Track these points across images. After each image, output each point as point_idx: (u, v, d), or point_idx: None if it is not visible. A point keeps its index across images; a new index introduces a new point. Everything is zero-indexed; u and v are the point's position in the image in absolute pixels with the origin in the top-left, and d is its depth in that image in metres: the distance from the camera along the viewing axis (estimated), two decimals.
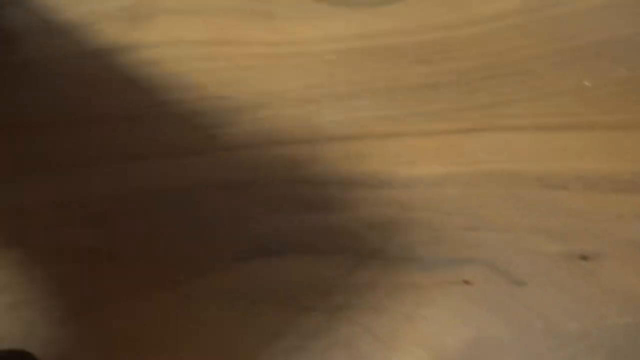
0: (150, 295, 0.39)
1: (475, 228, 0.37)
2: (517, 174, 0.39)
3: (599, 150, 0.39)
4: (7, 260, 0.42)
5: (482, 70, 0.44)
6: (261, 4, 0.53)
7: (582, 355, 0.32)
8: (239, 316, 0.38)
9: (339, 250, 0.39)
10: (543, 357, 0.32)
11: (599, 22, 0.45)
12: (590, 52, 0.44)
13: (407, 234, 0.38)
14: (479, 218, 0.37)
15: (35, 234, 0.43)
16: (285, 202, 0.41)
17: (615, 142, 0.39)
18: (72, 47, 0.55)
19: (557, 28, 0.45)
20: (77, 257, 0.42)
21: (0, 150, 0.49)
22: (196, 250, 0.40)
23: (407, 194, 0.39)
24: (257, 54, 0.49)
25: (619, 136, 0.40)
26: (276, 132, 0.44)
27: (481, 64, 0.44)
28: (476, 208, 0.38)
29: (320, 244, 0.39)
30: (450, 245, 0.37)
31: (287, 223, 0.40)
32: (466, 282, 0.35)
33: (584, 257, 0.35)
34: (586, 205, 0.37)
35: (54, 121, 0.50)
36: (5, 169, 0.48)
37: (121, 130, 0.48)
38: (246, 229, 0.41)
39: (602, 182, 0.38)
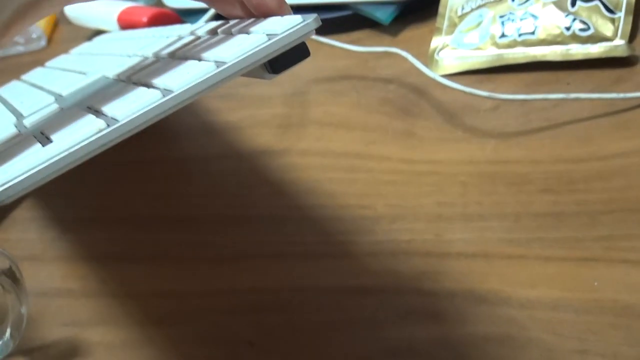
0: None
1: (585, 352, 0.40)
2: (629, 306, 0.42)
3: None
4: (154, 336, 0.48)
5: (604, 204, 0.47)
6: (403, 123, 0.58)
7: None
8: None
9: None
10: None
11: None
12: None
13: (522, 352, 0.41)
14: (590, 343, 0.40)
15: (186, 317, 0.49)
16: (412, 311, 0.45)
17: None
18: (228, 148, 0.61)
19: None
20: (220, 343, 0.47)
21: (147, 238, 0.56)
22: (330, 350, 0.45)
23: (524, 314, 0.43)
24: (396, 170, 0.55)
25: None
26: (408, 244, 0.49)
27: (604, 198, 0.48)
28: (588, 334, 0.41)
29: (441, 354, 0.43)
30: None
31: (412, 331, 0.44)
32: None
33: None
34: None
35: (204, 216, 0.56)
36: (148, 256, 0.54)
37: (266, 230, 0.54)
38: (374, 334, 0.45)
39: None
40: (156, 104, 0.30)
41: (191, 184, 0.60)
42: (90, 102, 0.36)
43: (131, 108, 0.30)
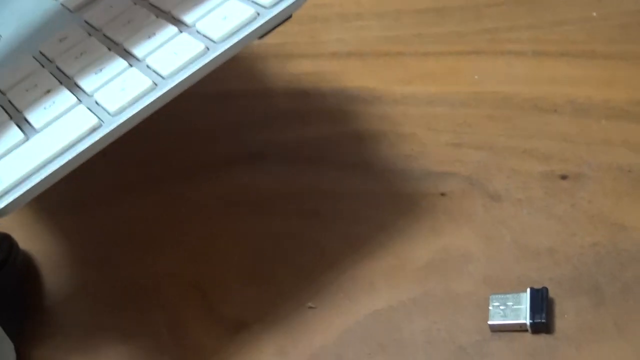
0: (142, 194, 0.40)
1: (459, 145, 0.37)
2: (509, 96, 0.39)
3: (596, 79, 0.39)
4: None
5: None
6: None
7: (548, 268, 0.31)
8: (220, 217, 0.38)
9: (324, 160, 0.39)
10: (508, 267, 0.32)
11: None
12: None
13: (393, 148, 0.38)
14: (465, 136, 0.37)
15: None
16: (281, 114, 0.41)
17: (613, 71, 0.39)
18: None
19: None
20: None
21: None
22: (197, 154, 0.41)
23: (398, 110, 0.40)
24: None
25: (618, 66, 0.39)
26: (281, 46, 0.45)
27: None
28: (464, 126, 0.38)
29: (308, 153, 0.39)
30: (433, 160, 0.37)
31: (280, 133, 0.40)
32: (443, 195, 0.35)
33: (563, 177, 0.34)
34: (574, 129, 0.36)
35: None
36: None
37: None
38: (240, 137, 0.41)
39: (593, 109, 0.37)
40: (151, 100, 0.28)
41: None
42: (59, 60, 0.32)
43: (124, 101, 0.28)
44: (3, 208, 0.26)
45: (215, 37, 0.29)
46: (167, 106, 0.40)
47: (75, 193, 0.40)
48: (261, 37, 0.30)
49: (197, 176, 0.40)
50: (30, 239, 0.39)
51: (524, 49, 0.40)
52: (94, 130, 0.28)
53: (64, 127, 0.28)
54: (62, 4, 0.36)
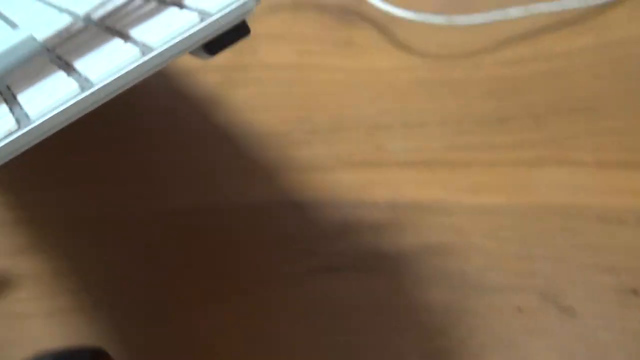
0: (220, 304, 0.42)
1: (529, 257, 0.39)
2: (575, 207, 0.40)
3: None
4: (90, 262, 0.45)
5: (550, 106, 0.45)
6: (341, 33, 0.55)
7: None
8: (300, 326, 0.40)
9: (398, 272, 0.41)
10: None
11: None
12: None
13: (464, 259, 0.40)
14: (535, 247, 0.39)
15: (118, 241, 0.46)
16: (351, 224, 0.43)
17: None
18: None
19: (626, 67, 0.46)
20: (157, 265, 0.45)
21: (82, 161, 0.53)
22: (270, 265, 0.43)
23: (467, 221, 0.41)
24: (334, 80, 0.52)
25: None
26: (348, 155, 0.47)
27: (549, 100, 0.46)
28: (532, 238, 0.39)
29: (382, 264, 0.41)
30: (505, 272, 0.39)
31: (351, 244, 0.42)
32: (519, 309, 0.37)
33: (635, 292, 0.36)
34: (639, 241, 0.38)
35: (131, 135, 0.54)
36: (83, 179, 0.52)
37: (199, 151, 0.51)
38: (317, 247, 0.43)
39: None
40: (72, 102, 0.27)
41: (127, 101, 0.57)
42: (10, 79, 0.33)
43: (46, 105, 0.26)
44: None
45: (152, 42, 0.28)
46: (247, 211, 0.43)
47: (160, 299, 0.42)
48: (211, 50, 0.29)
49: (275, 284, 0.42)
50: (121, 349, 0.41)
51: (586, 158, 0.42)
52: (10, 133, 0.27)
53: None
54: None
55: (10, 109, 0.28)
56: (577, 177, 0.42)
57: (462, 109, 0.47)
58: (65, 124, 0.27)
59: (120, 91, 0.28)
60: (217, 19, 0.28)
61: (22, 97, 0.29)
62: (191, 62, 0.57)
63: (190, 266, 0.44)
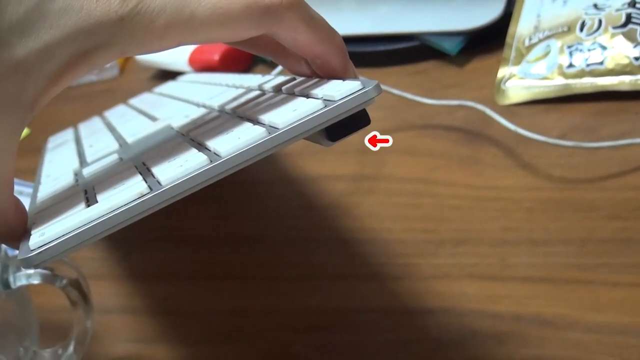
0: None
1: None
2: None
3: None
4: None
5: None
6: (468, 150, 0.58)
7: None
8: None
9: None
10: None
11: None
12: None
13: None
14: None
15: (249, 335, 0.49)
16: (476, 333, 0.45)
17: None
18: (291, 172, 0.62)
19: None
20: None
21: (211, 258, 0.56)
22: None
23: (591, 338, 0.42)
24: (461, 195, 0.54)
25: None
26: (472, 267, 0.49)
27: None
28: None
29: None
30: None
31: (476, 353, 0.44)
32: None
33: None
34: None
35: (268, 237, 0.57)
36: (212, 275, 0.55)
37: (330, 252, 0.54)
38: (437, 354, 0.45)
39: None
40: (201, 170, 0.29)
41: (254, 206, 0.61)
42: (145, 157, 0.36)
43: (177, 173, 0.29)
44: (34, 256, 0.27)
45: (278, 123, 0.30)
46: (371, 316, 0.45)
47: None
48: (332, 136, 0.31)
49: None
50: None
51: None
52: (141, 195, 0.29)
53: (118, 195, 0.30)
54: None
55: (144, 178, 0.31)
56: None
57: (587, 229, 0.48)
58: (193, 190, 0.29)
59: (245, 165, 0.29)
60: (339, 105, 0.30)
61: (155, 169, 0.32)
62: (320, 169, 0.61)
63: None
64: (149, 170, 0.32)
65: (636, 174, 0.51)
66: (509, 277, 0.47)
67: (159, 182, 0.29)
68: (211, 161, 0.29)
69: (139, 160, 0.36)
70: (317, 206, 0.59)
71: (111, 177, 0.35)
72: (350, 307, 0.49)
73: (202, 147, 0.33)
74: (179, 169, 0.29)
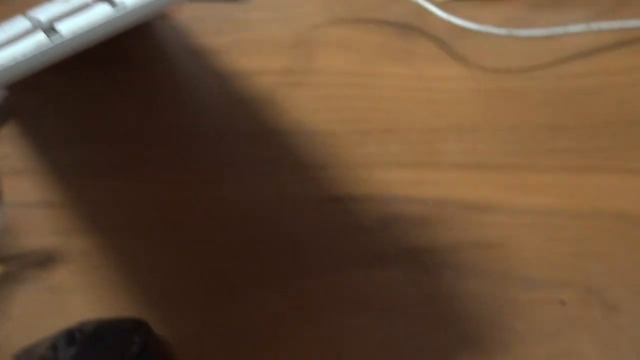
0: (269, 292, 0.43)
1: (577, 255, 0.38)
2: (626, 212, 0.40)
3: None
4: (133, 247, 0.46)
5: (604, 117, 0.45)
6: (401, 43, 0.56)
7: None
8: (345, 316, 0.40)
9: (445, 266, 0.40)
10: None
11: None
12: None
13: (509, 255, 0.39)
14: (583, 247, 0.39)
15: (167, 225, 0.47)
16: (399, 218, 0.43)
17: None
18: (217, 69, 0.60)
19: None
20: (202, 252, 0.45)
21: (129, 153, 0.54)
22: (315, 256, 0.43)
23: (516, 221, 0.41)
24: (391, 86, 0.53)
25: None
26: (399, 154, 0.47)
27: (604, 112, 0.46)
28: (581, 238, 0.39)
29: (426, 258, 0.41)
30: (552, 268, 0.38)
31: (398, 237, 0.42)
32: (562, 303, 0.37)
33: None
34: None
35: (187, 134, 0.55)
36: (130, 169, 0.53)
37: (250, 144, 0.52)
38: (361, 240, 0.43)
39: None
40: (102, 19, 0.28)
41: (181, 100, 0.59)
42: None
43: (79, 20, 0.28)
44: None
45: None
46: (296, 204, 0.43)
47: (210, 285, 0.43)
48: None
49: (323, 275, 0.42)
50: (163, 327, 0.41)
51: (638, 167, 0.42)
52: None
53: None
54: None
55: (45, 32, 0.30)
56: (628, 184, 0.41)
57: (517, 117, 0.47)
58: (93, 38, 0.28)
59: (148, 14, 0.29)
60: None
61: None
62: (248, 65, 0.58)
63: (237, 253, 0.45)
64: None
65: (569, 63, 0.49)
66: (435, 163, 0.46)
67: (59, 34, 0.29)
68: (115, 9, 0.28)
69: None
70: (245, 100, 0.56)
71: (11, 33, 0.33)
72: (273, 196, 0.47)
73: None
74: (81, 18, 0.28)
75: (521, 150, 0.45)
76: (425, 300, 0.39)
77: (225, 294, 0.42)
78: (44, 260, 0.48)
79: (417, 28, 0.56)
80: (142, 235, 0.47)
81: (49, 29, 0.30)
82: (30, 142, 0.59)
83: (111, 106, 0.58)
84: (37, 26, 0.31)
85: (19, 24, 0.32)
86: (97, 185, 0.53)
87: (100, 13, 0.28)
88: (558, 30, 0.50)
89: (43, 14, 0.32)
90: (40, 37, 0.28)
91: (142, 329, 0.38)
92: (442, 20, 0.53)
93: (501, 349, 0.36)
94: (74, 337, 0.37)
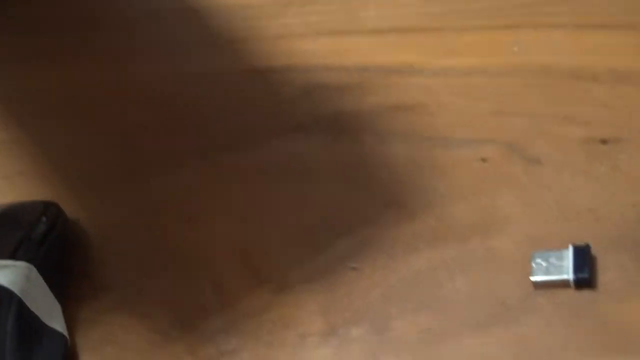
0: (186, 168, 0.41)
1: (499, 113, 0.37)
2: (549, 66, 0.39)
3: (635, 49, 0.39)
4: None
5: None
6: None
7: (589, 227, 0.32)
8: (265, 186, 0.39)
9: (365, 131, 0.39)
10: (549, 227, 0.32)
11: None
12: None
13: (431, 116, 0.38)
14: (505, 104, 0.38)
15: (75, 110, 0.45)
16: (319, 86, 0.42)
17: None
18: None
19: None
20: (125, 131, 0.44)
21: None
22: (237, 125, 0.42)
23: (437, 81, 0.40)
24: None
25: None
26: (320, 23, 0.45)
27: None
28: (503, 95, 0.38)
29: (346, 123, 0.40)
30: (474, 127, 0.37)
31: (319, 105, 0.41)
32: (483, 160, 0.36)
33: (603, 141, 0.35)
34: (613, 96, 0.37)
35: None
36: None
37: (167, 24, 0.50)
38: (282, 109, 0.42)
39: (633, 76, 0.37)
40: None
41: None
42: None
43: None
44: None
45: None
46: (214, 79, 0.42)
47: (125, 163, 0.41)
48: None
49: (242, 147, 0.40)
50: (79, 208, 0.40)
51: (564, 21, 0.41)
52: None
53: None
54: None
55: None
56: (553, 39, 0.40)
57: None
58: None
59: None
60: None
61: None
62: None
63: (154, 131, 0.43)
64: None
65: None
66: (356, 30, 0.44)
67: None
68: None
69: None
70: None
71: None
72: (191, 73, 0.45)
73: None
74: None
75: (441, 11, 0.43)
76: (345, 165, 0.38)
77: (142, 171, 0.41)
78: None
79: None
80: (54, 116, 0.45)
81: None
82: None
83: None
84: None
85: None
86: (8, 71, 0.50)
87: None
88: None
89: None
90: None
91: (52, 210, 0.37)
92: None
93: (423, 209, 0.35)
94: None
